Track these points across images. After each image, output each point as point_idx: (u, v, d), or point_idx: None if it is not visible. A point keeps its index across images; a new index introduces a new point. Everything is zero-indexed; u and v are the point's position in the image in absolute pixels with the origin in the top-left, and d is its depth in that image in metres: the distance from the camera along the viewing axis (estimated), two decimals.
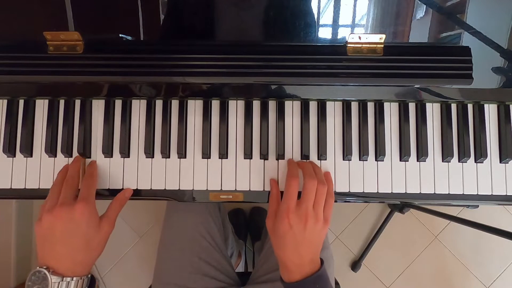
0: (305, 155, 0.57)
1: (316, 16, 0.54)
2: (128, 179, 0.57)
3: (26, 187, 0.57)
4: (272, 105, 0.58)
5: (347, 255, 1.38)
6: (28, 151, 0.57)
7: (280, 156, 0.57)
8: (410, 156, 0.57)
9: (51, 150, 0.56)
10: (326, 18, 0.55)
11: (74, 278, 0.45)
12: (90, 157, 0.57)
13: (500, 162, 0.57)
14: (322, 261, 0.51)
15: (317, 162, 0.57)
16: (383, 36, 0.54)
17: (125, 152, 0.57)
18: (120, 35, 0.55)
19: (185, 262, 0.68)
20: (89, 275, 0.48)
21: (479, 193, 0.57)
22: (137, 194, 0.56)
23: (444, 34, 0.56)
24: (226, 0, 0.54)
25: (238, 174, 0.57)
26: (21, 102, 0.58)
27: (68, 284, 0.44)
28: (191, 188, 0.57)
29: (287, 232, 0.49)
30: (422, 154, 0.56)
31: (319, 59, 0.55)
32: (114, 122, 0.58)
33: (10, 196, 0.57)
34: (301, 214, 0.49)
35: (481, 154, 0.57)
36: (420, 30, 0.55)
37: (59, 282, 0.43)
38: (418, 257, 1.38)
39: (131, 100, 0.58)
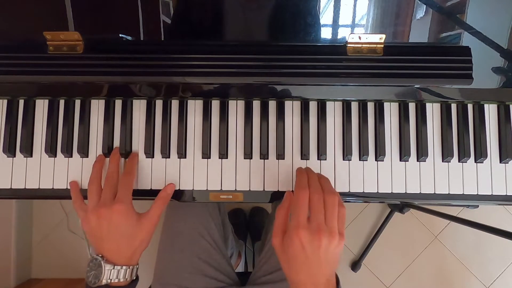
0: (305, 155, 0.57)
1: (316, 16, 0.54)
2: None
3: (26, 187, 0.57)
4: (272, 105, 0.58)
5: (347, 255, 1.38)
6: (28, 151, 0.57)
7: (280, 156, 0.57)
8: (410, 156, 0.57)
9: (51, 150, 0.56)
10: (326, 18, 0.55)
11: (124, 267, 0.50)
12: (88, 157, 0.57)
13: (500, 162, 0.57)
14: (337, 280, 0.47)
15: (317, 162, 0.57)
16: (383, 36, 0.54)
17: (125, 152, 0.57)
18: (120, 35, 0.55)
19: (185, 262, 0.68)
20: (137, 265, 0.52)
21: (479, 193, 0.57)
22: (137, 194, 0.56)
23: (444, 34, 0.56)
24: (226, 0, 0.54)
25: (238, 174, 0.57)
26: (21, 102, 0.58)
27: (119, 272, 0.49)
28: (191, 188, 0.57)
29: (300, 253, 0.43)
30: (422, 154, 0.56)
31: (319, 59, 0.55)
32: (114, 122, 0.58)
33: (10, 196, 0.57)
34: (313, 230, 0.43)
35: (481, 154, 0.57)
36: (420, 30, 0.55)
37: (111, 270, 0.48)
38: (418, 257, 1.38)
39: (131, 100, 0.58)
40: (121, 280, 0.49)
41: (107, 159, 0.56)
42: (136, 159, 0.56)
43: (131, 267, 0.51)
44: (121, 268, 0.49)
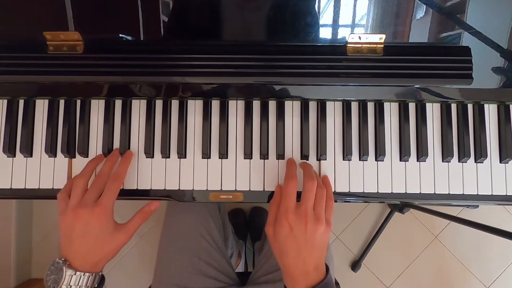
0: (305, 155, 0.57)
1: (316, 16, 0.54)
2: (128, 179, 0.57)
3: (26, 187, 0.57)
4: (272, 105, 0.58)
5: (347, 255, 1.38)
6: (28, 151, 0.57)
7: (280, 156, 0.57)
8: (410, 156, 0.57)
9: (51, 150, 0.56)
10: (326, 18, 0.55)
11: (87, 274, 0.47)
12: (88, 157, 0.57)
13: (500, 162, 0.57)
14: (327, 268, 0.49)
15: (317, 162, 0.57)
16: (383, 36, 0.54)
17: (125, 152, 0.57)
18: (120, 35, 0.55)
19: (185, 262, 0.68)
20: (100, 273, 0.50)
21: (479, 193, 0.57)
22: (137, 194, 0.57)
23: (444, 34, 0.56)
24: (226, 0, 0.54)
25: (238, 174, 0.57)
26: (21, 102, 0.58)
27: (80, 279, 0.47)
28: (191, 188, 0.57)
29: (288, 235, 0.47)
30: (422, 154, 0.56)
31: (319, 59, 0.55)
32: (114, 122, 0.58)
33: (10, 196, 0.57)
34: (300, 214, 0.47)
35: (481, 154, 0.57)
36: (420, 30, 0.55)
37: (72, 275, 0.46)
38: (418, 257, 1.38)
39: (131, 100, 0.58)
40: (82, 287, 0.47)
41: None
42: (129, 161, 0.55)
43: (94, 274, 0.48)
44: (83, 275, 0.47)
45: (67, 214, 0.48)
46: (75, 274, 0.46)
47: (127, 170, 0.54)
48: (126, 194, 0.56)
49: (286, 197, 0.49)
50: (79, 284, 0.47)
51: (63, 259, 0.47)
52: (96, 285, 0.49)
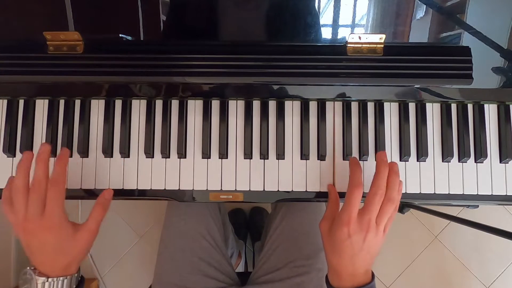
0: (305, 155, 0.57)
1: (316, 16, 0.54)
2: (128, 179, 0.57)
3: None
4: (272, 105, 0.58)
5: None
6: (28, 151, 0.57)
7: (280, 156, 0.57)
8: (410, 156, 0.57)
9: (51, 150, 0.56)
10: (326, 18, 0.55)
11: (61, 278, 0.46)
12: (88, 157, 0.57)
13: (500, 162, 0.57)
14: (373, 275, 0.50)
15: (317, 162, 0.57)
16: (383, 36, 0.54)
17: (125, 152, 0.57)
18: (120, 35, 0.55)
19: (185, 262, 0.68)
20: (75, 274, 0.48)
21: (479, 193, 0.57)
22: (137, 194, 0.56)
23: (444, 34, 0.56)
24: (226, 0, 0.54)
25: (238, 174, 0.57)
26: (21, 102, 0.58)
27: (54, 283, 0.45)
28: (191, 188, 0.57)
29: (345, 240, 0.47)
30: (422, 154, 0.56)
31: (319, 59, 0.55)
32: (114, 122, 0.58)
33: None
34: (362, 225, 0.47)
35: (481, 154, 0.57)
36: (420, 30, 0.55)
37: (44, 282, 0.45)
38: (418, 257, 1.38)
39: (131, 100, 0.58)
40: None
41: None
42: (64, 161, 0.48)
43: (68, 277, 0.46)
44: (57, 280, 0.45)
45: (18, 229, 0.45)
46: (47, 280, 0.45)
47: (66, 170, 0.48)
48: (126, 194, 0.56)
49: (349, 206, 0.48)
50: None
51: (32, 267, 0.46)
52: (74, 286, 0.48)
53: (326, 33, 0.55)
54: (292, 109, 0.58)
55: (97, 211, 0.49)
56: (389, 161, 0.56)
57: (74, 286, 0.48)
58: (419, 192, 0.57)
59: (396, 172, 0.49)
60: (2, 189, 0.53)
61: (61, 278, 0.46)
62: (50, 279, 0.45)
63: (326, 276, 0.53)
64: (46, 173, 0.46)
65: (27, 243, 0.46)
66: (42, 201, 0.45)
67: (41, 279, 0.45)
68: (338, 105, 0.58)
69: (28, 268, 0.46)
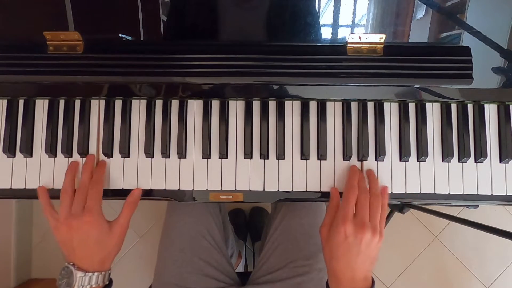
0: (305, 155, 0.57)
1: (316, 16, 0.54)
2: (128, 179, 0.57)
3: (26, 187, 0.57)
4: (272, 105, 0.58)
5: None
6: (28, 151, 0.57)
7: (280, 156, 0.57)
8: (410, 156, 0.57)
9: (51, 150, 0.56)
10: (326, 18, 0.55)
11: (96, 273, 0.51)
12: None
13: (500, 162, 0.57)
14: (373, 281, 0.50)
15: (317, 162, 0.57)
16: (383, 36, 0.54)
17: (125, 152, 0.57)
18: (120, 35, 0.55)
19: (185, 262, 0.68)
20: (109, 271, 0.54)
21: (479, 193, 0.57)
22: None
23: (444, 34, 0.56)
24: (226, 0, 0.54)
25: (238, 174, 0.57)
26: (21, 102, 0.58)
27: (90, 278, 0.50)
28: (191, 188, 0.57)
29: (342, 243, 0.48)
30: (422, 154, 0.56)
31: (319, 59, 0.55)
32: (114, 122, 0.58)
33: (10, 196, 0.57)
34: (357, 224, 0.48)
35: (481, 154, 0.57)
36: (420, 30, 0.55)
37: (82, 277, 0.50)
38: (418, 257, 1.38)
39: (131, 100, 0.58)
40: (94, 286, 0.50)
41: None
42: (103, 168, 0.56)
43: (103, 272, 0.52)
44: (93, 275, 0.50)
45: (61, 228, 0.51)
46: (85, 275, 0.50)
47: (104, 174, 0.56)
48: (127, 194, 0.56)
49: (345, 206, 0.50)
50: (90, 284, 0.50)
51: (72, 263, 0.50)
52: (107, 282, 0.53)
53: (326, 33, 0.55)
54: (292, 109, 0.58)
55: (126, 209, 0.55)
56: (389, 161, 0.57)
57: (107, 283, 0.53)
58: (419, 192, 0.57)
59: (369, 170, 0.56)
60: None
61: (96, 273, 0.51)
62: (88, 273, 0.50)
63: (327, 283, 0.53)
64: (90, 177, 0.54)
65: (70, 239, 0.50)
66: (84, 200, 0.52)
67: (80, 273, 0.49)
68: (338, 105, 0.58)
69: (67, 263, 0.50)
